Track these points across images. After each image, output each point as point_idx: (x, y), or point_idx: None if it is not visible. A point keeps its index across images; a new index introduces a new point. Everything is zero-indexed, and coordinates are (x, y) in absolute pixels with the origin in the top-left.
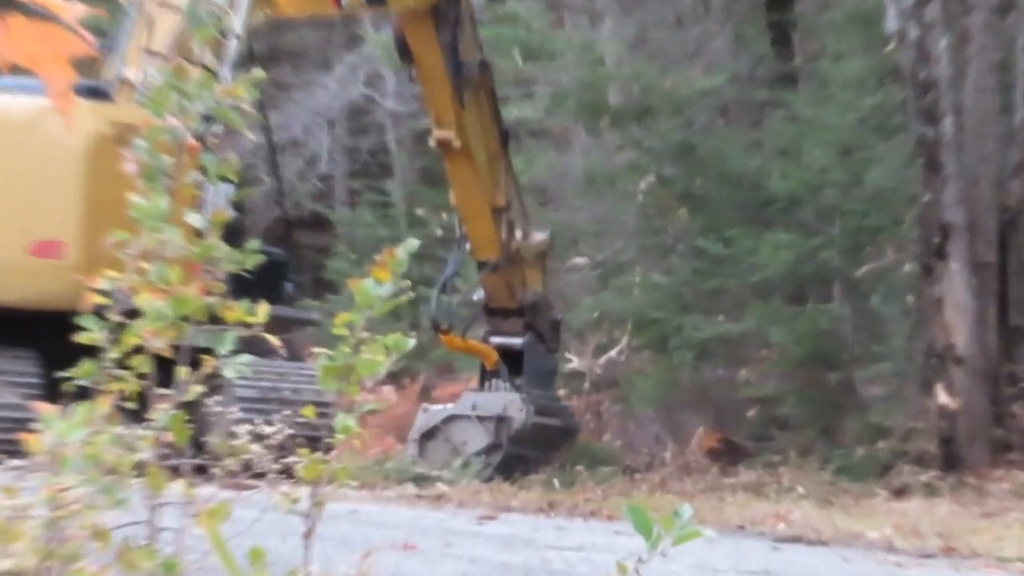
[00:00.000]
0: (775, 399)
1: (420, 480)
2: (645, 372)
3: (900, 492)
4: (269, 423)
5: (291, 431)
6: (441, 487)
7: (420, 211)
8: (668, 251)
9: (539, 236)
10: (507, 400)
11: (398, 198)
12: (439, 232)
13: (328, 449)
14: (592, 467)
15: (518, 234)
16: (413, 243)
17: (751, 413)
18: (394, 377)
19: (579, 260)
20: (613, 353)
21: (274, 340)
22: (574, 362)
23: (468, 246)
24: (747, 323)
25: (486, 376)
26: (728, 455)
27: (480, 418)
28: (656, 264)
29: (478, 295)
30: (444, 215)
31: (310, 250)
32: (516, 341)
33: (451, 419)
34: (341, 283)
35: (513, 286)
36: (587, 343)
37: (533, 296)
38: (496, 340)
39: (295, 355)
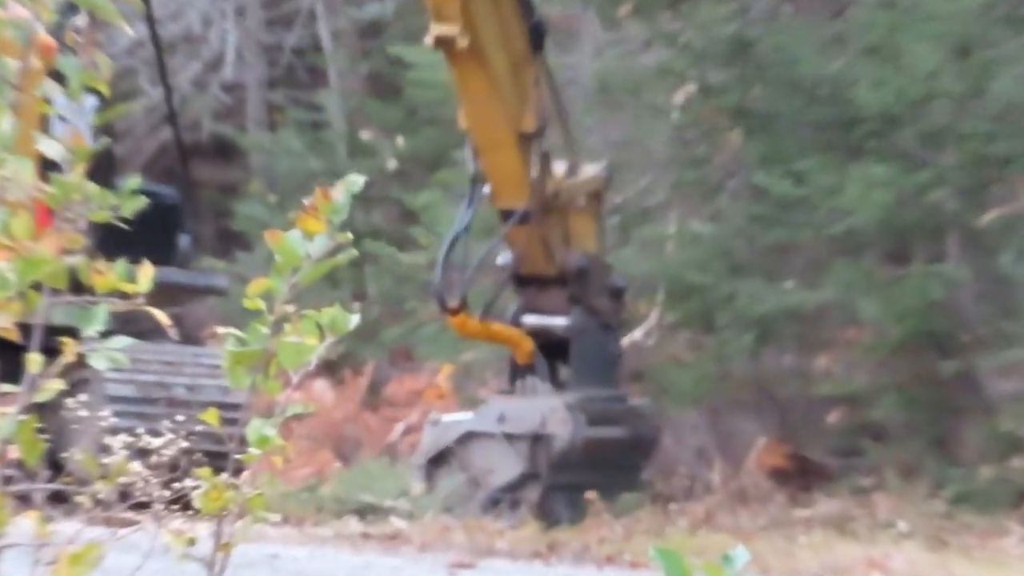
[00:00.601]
0: (866, 399)
1: (368, 512)
2: (683, 360)
3: None
4: (155, 433)
5: (186, 444)
6: (397, 523)
7: (367, 134)
8: (714, 190)
9: (590, 171)
10: (547, 408)
11: (336, 116)
12: (392, 164)
13: (238, 470)
14: (609, 494)
15: (558, 169)
16: (357, 180)
17: (832, 418)
18: (331, 368)
19: None
20: (638, 334)
21: (162, 316)
22: None
23: (486, 189)
24: (826, 292)
25: (518, 373)
26: (800, 477)
27: (509, 436)
28: (697, 208)
29: (503, 258)
30: (400, 140)
31: (212, 189)
32: (559, 321)
33: (469, 437)
34: (256, 236)
35: (552, 244)
36: None
37: (581, 258)
38: (531, 321)
39: (191, 337)
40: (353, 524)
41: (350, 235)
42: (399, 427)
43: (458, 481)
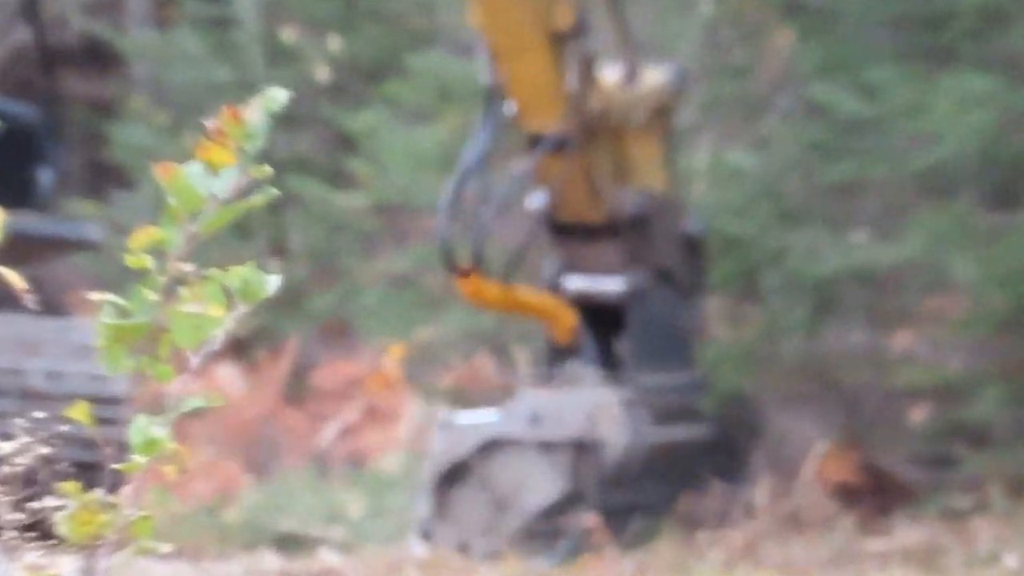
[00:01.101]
0: (961, 391)
1: (289, 544)
2: (717, 338)
3: None
4: (4, 436)
5: (46, 450)
6: (328, 557)
7: (289, 35)
8: (759, 109)
9: (652, 78)
10: (596, 404)
11: (248, 10)
12: (324, 74)
13: (116, 485)
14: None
15: (607, 78)
16: (277, 96)
17: (916, 417)
18: (241, 348)
19: None
20: None
21: (14, 278)
22: None
23: (508, 106)
24: (907, 247)
25: (556, 356)
26: (874, 495)
27: (545, 444)
28: (737, 133)
29: (534, 200)
30: (335, 41)
31: (83, 107)
32: (611, 285)
33: (493, 446)
34: (140, 170)
35: (599, 180)
36: None
37: (638, 199)
38: (573, 285)
39: (53, 306)
40: (269, 559)
41: (268, 169)
42: (331, 428)
43: (480, 506)
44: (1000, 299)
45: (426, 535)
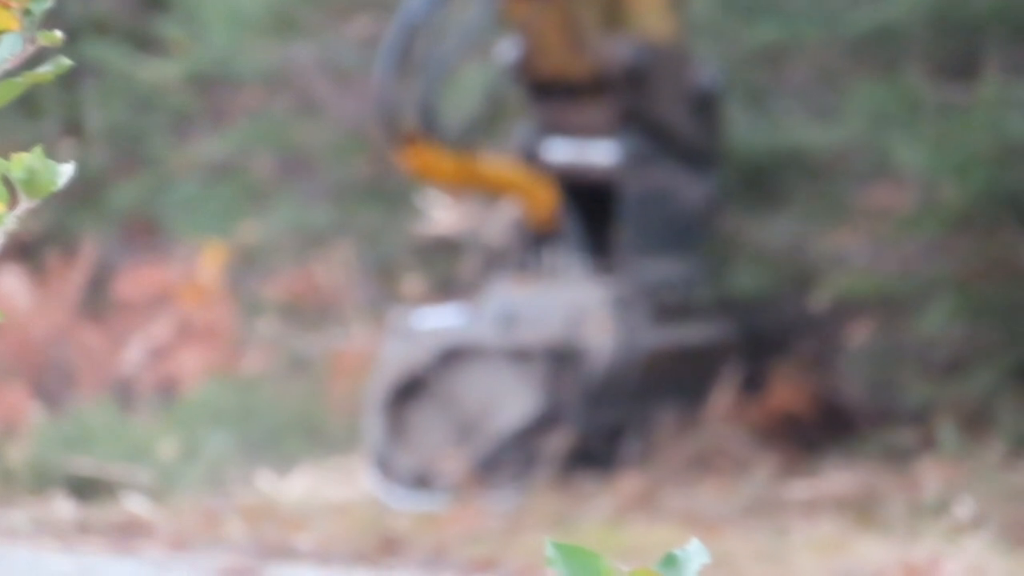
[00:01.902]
0: (908, 302)
1: (86, 489)
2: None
3: None
4: None
5: None
6: (134, 506)
7: None
8: None
9: None
10: (579, 303)
11: None
12: None
13: None
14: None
15: None
16: None
17: (854, 334)
18: (26, 252)
19: None
20: None
21: None
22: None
23: None
24: (843, 127)
25: (534, 242)
26: (799, 431)
27: (518, 353)
28: None
29: (507, 49)
30: None
31: None
32: (602, 153)
33: (455, 356)
34: None
35: (583, 25)
36: None
37: (636, 49)
38: (556, 154)
39: None
40: (61, 506)
41: (59, 34)
42: (136, 348)
43: (439, 429)
44: (954, 192)
45: (380, 465)
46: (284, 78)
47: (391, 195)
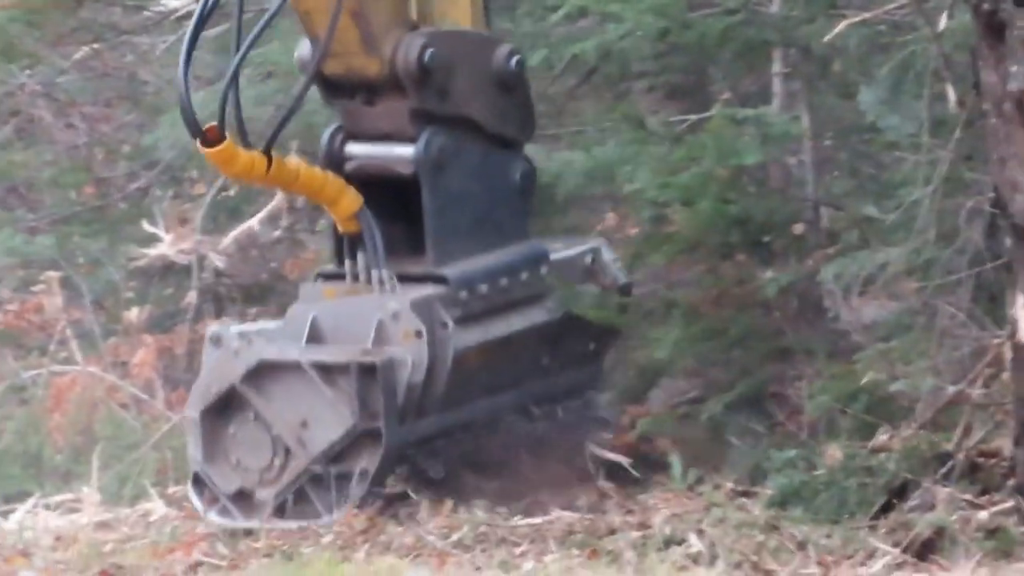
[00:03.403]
0: (634, 330)
1: None
2: None
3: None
4: None
5: None
6: None
7: None
8: None
9: None
10: (384, 312)
11: None
12: None
13: None
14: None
15: None
16: None
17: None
18: None
19: None
20: None
21: None
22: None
23: None
24: (589, 155)
25: (347, 244)
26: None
27: (324, 368)
28: None
29: (301, 47)
30: None
31: None
32: (404, 151)
33: (265, 369)
34: None
35: (375, 21)
36: None
37: (430, 45)
38: (355, 153)
39: None
40: None
41: None
42: None
43: (255, 444)
44: (681, 217)
45: (196, 482)
46: (6, 106)
47: (114, 223)
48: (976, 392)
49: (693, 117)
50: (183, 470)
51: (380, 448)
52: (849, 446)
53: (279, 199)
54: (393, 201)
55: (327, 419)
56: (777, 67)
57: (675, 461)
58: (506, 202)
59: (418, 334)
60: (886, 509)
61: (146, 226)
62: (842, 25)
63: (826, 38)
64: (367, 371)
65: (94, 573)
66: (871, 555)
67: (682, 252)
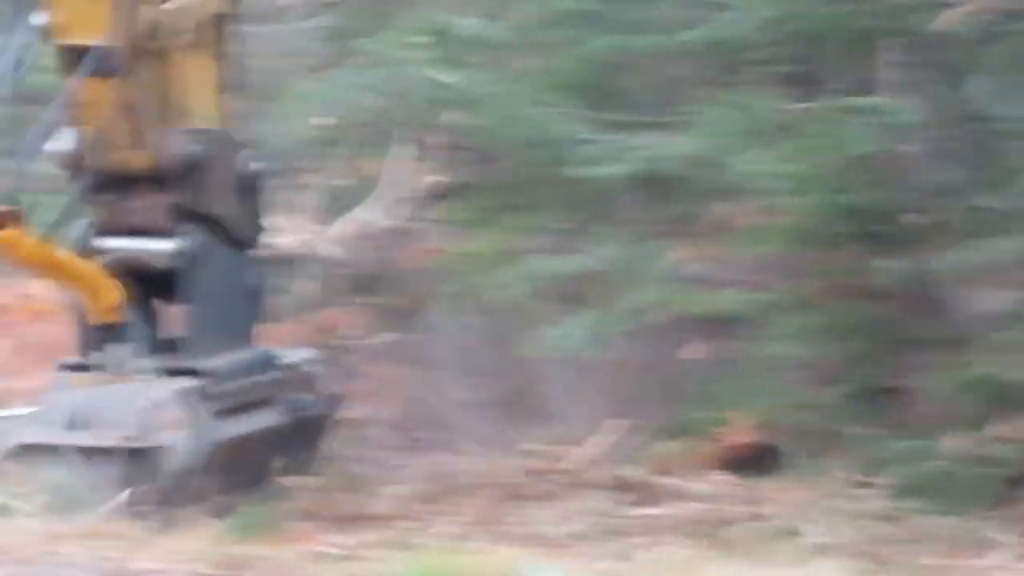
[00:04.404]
0: (747, 320)
1: None
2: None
3: None
4: None
5: None
6: None
7: None
8: None
9: None
10: (150, 400)
11: None
12: None
13: None
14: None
15: None
16: None
17: (690, 352)
18: None
19: None
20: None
21: None
22: (289, 236)
23: (43, 10)
24: (689, 141)
25: (98, 335)
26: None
27: (90, 450)
28: None
29: (61, 140)
30: None
31: None
32: (160, 248)
33: (29, 451)
34: None
35: (146, 116)
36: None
37: (193, 140)
38: (114, 247)
39: None
40: None
41: None
42: None
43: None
44: (796, 205)
45: None
46: None
47: None
48: None
49: (804, 106)
50: None
51: (155, 493)
52: (967, 436)
53: (391, 189)
54: (146, 292)
55: (98, 488)
56: (889, 56)
57: (792, 452)
58: (244, 304)
59: (181, 423)
60: (1005, 499)
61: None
62: (954, 12)
63: (938, 26)
64: (135, 455)
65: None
66: (991, 546)
67: (793, 243)
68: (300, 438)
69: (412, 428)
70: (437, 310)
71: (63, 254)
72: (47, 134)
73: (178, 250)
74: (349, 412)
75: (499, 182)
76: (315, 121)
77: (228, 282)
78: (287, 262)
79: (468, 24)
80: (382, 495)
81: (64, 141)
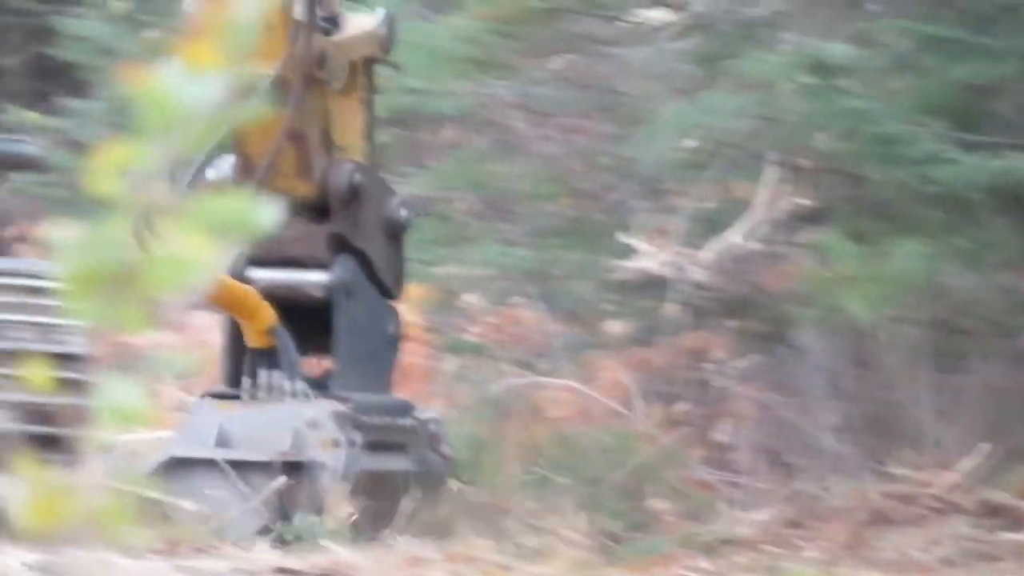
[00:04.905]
0: None
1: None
2: (832, 274)
3: None
4: None
5: None
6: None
7: None
8: None
9: (360, 23)
10: (303, 420)
11: None
12: None
13: (76, 460)
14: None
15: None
16: None
17: None
18: None
19: None
20: (736, 235)
21: None
22: (647, 259)
23: None
24: None
25: (248, 361)
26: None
27: (240, 464)
28: (832, 21)
29: (219, 167)
30: None
31: None
32: (315, 278)
33: (178, 465)
34: (96, 70)
35: (312, 145)
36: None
37: (357, 172)
38: (266, 277)
39: None
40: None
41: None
42: None
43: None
44: None
45: None
46: (483, 117)
47: (591, 235)
48: None
49: None
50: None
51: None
52: None
53: (759, 211)
54: (298, 322)
55: (241, 514)
56: None
57: None
58: (384, 348)
59: (336, 443)
60: None
61: (623, 238)
62: None
63: None
64: (289, 469)
65: None
66: None
67: None
68: (422, 490)
69: (779, 451)
70: (804, 333)
71: (228, 283)
72: (209, 162)
73: (336, 280)
74: (716, 435)
75: (867, 203)
76: (684, 143)
77: (373, 324)
78: (654, 285)
79: (838, 49)
80: (749, 519)
81: (223, 169)
